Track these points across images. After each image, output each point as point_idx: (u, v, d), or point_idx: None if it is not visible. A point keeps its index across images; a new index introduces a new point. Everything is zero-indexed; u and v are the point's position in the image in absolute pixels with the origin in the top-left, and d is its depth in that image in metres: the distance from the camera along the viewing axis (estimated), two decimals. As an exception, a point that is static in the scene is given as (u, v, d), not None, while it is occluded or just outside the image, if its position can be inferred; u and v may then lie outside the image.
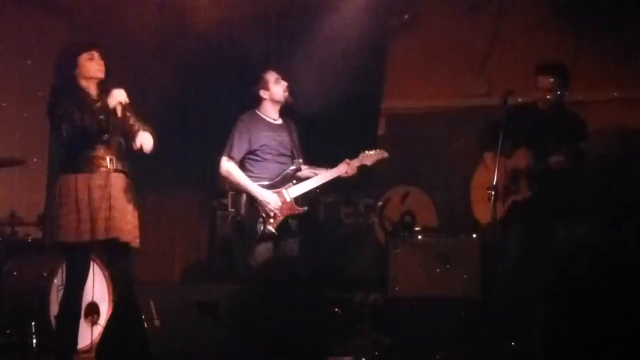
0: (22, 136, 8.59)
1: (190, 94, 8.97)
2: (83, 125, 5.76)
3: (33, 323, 7.03)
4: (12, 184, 8.39)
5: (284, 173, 6.94)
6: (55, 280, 7.19)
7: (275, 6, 9.06)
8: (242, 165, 6.94)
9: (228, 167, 6.87)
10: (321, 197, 8.90)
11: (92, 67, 6.02)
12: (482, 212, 7.09)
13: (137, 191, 6.22)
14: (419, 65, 9.39)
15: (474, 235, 7.68)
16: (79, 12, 8.76)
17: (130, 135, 6.05)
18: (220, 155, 6.95)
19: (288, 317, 5.33)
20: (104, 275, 7.32)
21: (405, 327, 7.72)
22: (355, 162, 7.09)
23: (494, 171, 6.49)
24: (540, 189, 6.75)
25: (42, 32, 8.76)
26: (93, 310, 7.16)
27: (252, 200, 6.78)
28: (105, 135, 5.93)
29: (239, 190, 6.86)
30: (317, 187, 7.07)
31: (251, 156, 6.95)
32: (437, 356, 6.95)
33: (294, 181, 6.98)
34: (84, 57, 6.01)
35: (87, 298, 7.11)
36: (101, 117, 5.81)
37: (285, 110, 7.21)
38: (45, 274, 7.22)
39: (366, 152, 7.16)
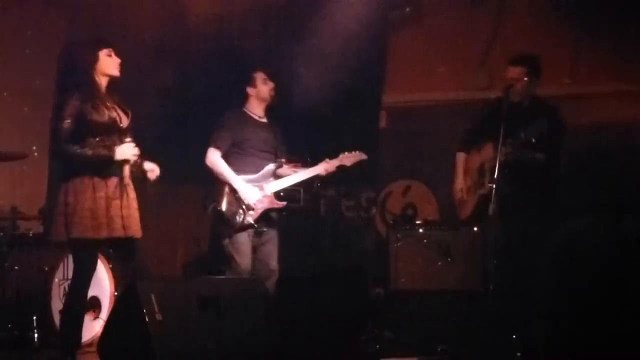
0: (22, 130, 8.60)
1: (190, 90, 8.96)
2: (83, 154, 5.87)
3: (34, 317, 7.04)
4: (13, 178, 8.40)
5: (265, 168, 7.15)
6: (56, 275, 7.20)
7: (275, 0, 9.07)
8: (226, 158, 7.13)
9: (213, 157, 7.11)
10: (322, 191, 8.90)
11: (110, 64, 6.09)
12: (461, 207, 7.20)
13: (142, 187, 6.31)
14: (420, 58, 9.38)
15: (475, 229, 7.67)
16: (78, 7, 8.77)
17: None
18: (207, 146, 7.17)
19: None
20: (105, 269, 7.34)
21: (407, 320, 7.72)
22: (335, 162, 7.28)
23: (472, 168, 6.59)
24: (511, 184, 6.69)
25: (43, 27, 8.78)
26: (94, 304, 7.17)
27: (234, 191, 7.01)
28: (107, 115, 5.97)
29: (222, 181, 7.07)
30: (296, 184, 7.31)
31: (235, 150, 7.15)
32: (439, 349, 6.96)
33: (274, 177, 7.19)
34: (104, 53, 6.08)
35: (90, 292, 7.13)
36: (104, 153, 5.90)
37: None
38: (46, 269, 7.23)
39: (345, 153, 7.33)
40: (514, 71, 6.90)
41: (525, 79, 6.84)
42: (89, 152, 5.86)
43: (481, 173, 6.99)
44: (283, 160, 7.30)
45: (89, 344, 6.86)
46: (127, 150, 5.98)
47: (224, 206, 7.03)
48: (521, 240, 6.77)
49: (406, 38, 9.42)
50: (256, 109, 7.29)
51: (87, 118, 5.87)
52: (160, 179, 6.31)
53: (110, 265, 7.36)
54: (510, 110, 6.58)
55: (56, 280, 7.21)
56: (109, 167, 5.95)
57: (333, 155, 7.40)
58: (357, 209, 9.49)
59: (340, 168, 7.32)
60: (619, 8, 8.25)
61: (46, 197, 8.65)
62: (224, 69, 8.79)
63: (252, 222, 7.01)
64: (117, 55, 6.12)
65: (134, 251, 6.20)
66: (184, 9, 8.63)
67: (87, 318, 6.85)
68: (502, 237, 6.62)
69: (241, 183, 7.01)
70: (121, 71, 6.12)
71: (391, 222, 9.11)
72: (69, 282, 7.24)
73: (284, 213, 7.61)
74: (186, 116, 8.83)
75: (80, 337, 6.11)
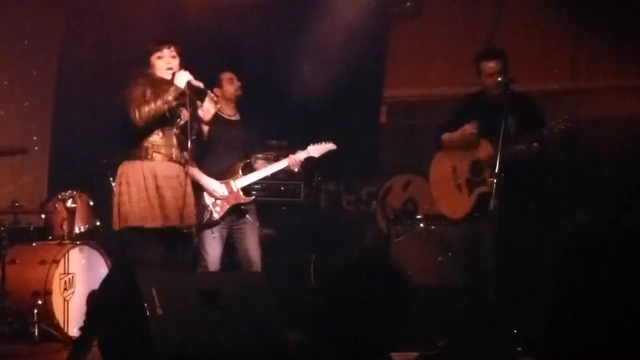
0: (23, 125, 8.60)
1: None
2: (156, 108, 5.93)
3: (35, 311, 7.05)
4: (14, 172, 8.40)
5: (233, 165, 7.19)
6: (57, 269, 7.21)
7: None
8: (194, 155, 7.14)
9: None
10: (323, 185, 8.91)
11: (161, 65, 6.14)
12: (449, 207, 7.10)
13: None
14: (421, 53, 9.39)
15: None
16: (78, 1, 8.77)
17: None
18: None
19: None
20: (107, 264, 7.34)
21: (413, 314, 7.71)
22: (303, 154, 7.23)
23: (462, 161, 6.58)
24: (506, 179, 6.67)
25: (43, 21, 8.77)
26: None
27: (201, 189, 7.03)
28: (179, 120, 6.10)
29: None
30: (263, 178, 7.37)
31: (203, 148, 7.12)
32: (440, 344, 6.96)
33: (245, 173, 7.21)
34: (154, 57, 6.14)
35: (89, 286, 7.14)
36: (171, 99, 5.97)
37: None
38: (47, 263, 7.23)
39: (314, 145, 7.27)
40: (491, 66, 6.82)
41: (500, 75, 6.79)
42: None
43: (476, 170, 6.88)
44: (259, 155, 7.35)
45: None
46: (183, 77, 6.02)
47: None
48: (518, 235, 6.74)
49: (406, 33, 9.44)
50: (225, 108, 7.25)
51: (152, 108, 5.97)
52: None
53: (110, 259, 7.37)
54: (489, 105, 6.60)
55: (57, 274, 7.21)
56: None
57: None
58: (358, 204, 9.50)
59: (309, 160, 7.29)
60: (618, 3, 8.26)
61: (47, 192, 8.65)
62: (225, 65, 8.77)
63: (218, 219, 7.04)
64: (177, 53, 6.17)
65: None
66: (182, 5, 8.62)
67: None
68: (500, 233, 6.61)
69: (207, 180, 7.05)
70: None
71: (392, 216, 9.12)
72: (69, 276, 7.27)
73: (284, 208, 7.61)
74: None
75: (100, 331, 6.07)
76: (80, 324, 6.81)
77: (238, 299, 5.74)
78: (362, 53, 9.01)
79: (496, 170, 6.35)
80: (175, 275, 5.97)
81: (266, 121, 7.57)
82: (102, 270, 7.25)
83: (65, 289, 7.24)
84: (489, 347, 6.27)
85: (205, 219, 7.02)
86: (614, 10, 8.42)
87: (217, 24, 8.70)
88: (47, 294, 7.12)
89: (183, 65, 6.15)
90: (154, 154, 6.06)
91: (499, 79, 6.70)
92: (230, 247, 7.20)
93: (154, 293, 5.43)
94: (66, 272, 7.27)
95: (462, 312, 7.47)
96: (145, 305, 5.36)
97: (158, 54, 6.13)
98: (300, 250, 8.50)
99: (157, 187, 6.01)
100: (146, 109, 5.91)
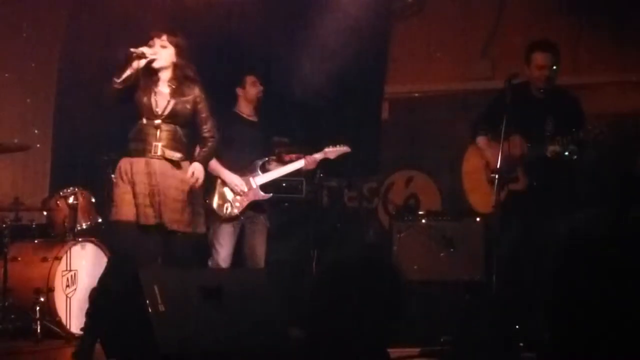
0: (25, 122, 8.61)
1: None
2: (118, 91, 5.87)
3: (37, 308, 7.05)
4: (16, 169, 8.41)
5: (252, 164, 7.44)
6: (59, 266, 7.21)
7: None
8: (217, 155, 7.18)
9: None
10: (324, 182, 8.90)
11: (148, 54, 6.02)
12: (479, 200, 7.04)
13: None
14: (423, 49, 9.39)
15: (478, 219, 7.66)
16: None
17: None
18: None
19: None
20: (107, 259, 7.34)
21: (409, 310, 7.71)
22: (318, 157, 7.57)
23: (495, 155, 6.44)
24: (538, 178, 6.63)
25: (44, 17, 8.77)
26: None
27: (222, 184, 7.29)
28: (144, 98, 5.97)
29: (214, 175, 7.27)
30: (282, 177, 7.59)
31: (224, 148, 7.17)
32: (442, 339, 6.95)
33: (262, 172, 7.47)
34: (147, 45, 6.03)
35: (91, 283, 7.13)
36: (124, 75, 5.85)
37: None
38: (49, 259, 7.24)
39: (330, 147, 7.59)
40: (542, 58, 6.66)
41: (554, 66, 6.68)
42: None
43: (510, 166, 6.70)
44: (273, 157, 7.61)
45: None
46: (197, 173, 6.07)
47: (214, 198, 7.28)
48: (535, 235, 6.69)
49: (408, 29, 9.43)
50: (245, 109, 7.58)
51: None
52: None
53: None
54: (533, 99, 6.53)
55: (59, 271, 7.22)
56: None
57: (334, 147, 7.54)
58: (360, 200, 9.50)
59: (324, 161, 7.60)
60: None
61: (48, 189, 8.65)
62: (223, 64, 8.76)
63: (238, 214, 7.28)
64: (172, 43, 6.07)
65: (178, 242, 6.20)
66: (183, 2, 8.61)
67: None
68: (516, 233, 6.59)
69: (228, 174, 7.29)
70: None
71: (394, 212, 9.13)
72: (71, 273, 7.27)
73: (286, 204, 7.64)
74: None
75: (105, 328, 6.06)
76: (82, 320, 6.82)
77: (240, 295, 5.74)
78: (364, 49, 9.00)
79: (497, 166, 6.33)
80: (178, 272, 5.98)
81: (265, 118, 7.60)
82: (104, 266, 7.25)
83: (67, 286, 7.25)
84: (491, 343, 6.26)
85: (225, 213, 7.26)
86: (616, 4, 8.41)
87: (217, 21, 8.68)
88: (50, 291, 7.13)
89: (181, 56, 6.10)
90: (138, 150, 5.98)
91: (548, 72, 6.61)
92: (239, 242, 7.36)
93: (156, 290, 5.44)
94: (68, 269, 7.28)
95: (464, 308, 7.47)
96: (147, 301, 5.37)
97: (150, 42, 6.02)
98: (302, 246, 8.50)
99: (151, 184, 5.94)
100: (107, 90, 5.88)
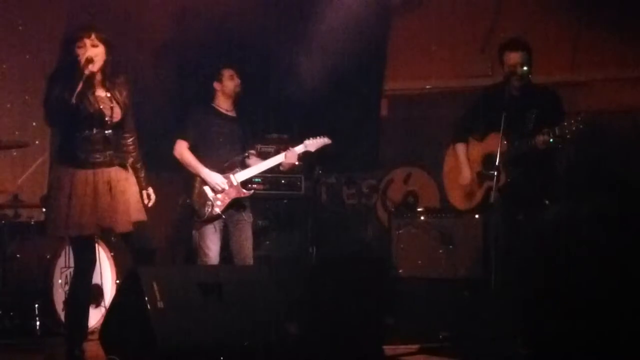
0: (24, 119, 8.60)
1: (188, 79, 8.93)
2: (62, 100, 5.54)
3: (36, 305, 7.05)
4: (14, 166, 8.40)
5: (231, 160, 7.27)
6: (58, 263, 7.21)
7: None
8: (195, 151, 7.24)
9: (180, 149, 7.25)
10: (323, 178, 8.91)
11: (80, 55, 5.66)
12: (458, 198, 7.10)
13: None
14: (422, 45, 9.38)
15: (477, 216, 7.67)
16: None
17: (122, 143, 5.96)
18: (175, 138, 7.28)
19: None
20: (108, 257, 7.34)
21: (409, 307, 7.73)
22: (298, 149, 7.39)
23: (474, 163, 6.72)
24: (520, 173, 6.67)
25: (43, 14, 8.76)
26: (96, 293, 7.17)
27: (203, 183, 7.16)
28: (109, 119, 5.74)
29: (192, 174, 7.20)
30: (263, 172, 7.48)
31: (202, 142, 7.26)
32: (440, 336, 6.96)
33: (242, 168, 7.31)
34: (76, 45, 5.69)
35: (93, 280, 7.13)
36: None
37: (278, 95, 7.40)
38: (48, 256, 7.24)
39: (310, 139, 7.41)
40: (514, 57, 6.77)
41: (525, 67, 6.77)
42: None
43: (488, 164, 6.82)
44: (252, 151, 7.44)
45: (91, 332, 6.87)
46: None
47: (193, 198, 7.17)
48: (525, 229, 6.73)
49: (407, 26, 9.42)
50: (223, 103, 7.39)
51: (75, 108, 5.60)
52: (161, 165, 6.30)
53: (112, 253, 7.37)
54: (510, 97, 6.56)
55: (58, 268, 7.21)
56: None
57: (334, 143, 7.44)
58: (359, 197, 9.50)
59: (306, 154, 7.44)
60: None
61: (47, 186, 8.64)
62: (225, 59, 8.76)
63: (220, 213, 7.15)
64: (99, 40, 5.72)
65: (128, 241, 6.21)
66: (182, 1, 8.62)
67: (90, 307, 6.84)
68: (505, 225, 6.60)
69: (208, 173, 7.15)
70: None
71: (392, 209, 9.13)
72: (70, 270, 7.27)
73: (285, 201, 7.61)
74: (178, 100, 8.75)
75: (85, 327, 6.08)
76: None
77: (238, 292, 5.75)
78: (363, 46, 9.00)
79: (497, 164, 6.35)
80: (176, 269, 5.98)
81: (265, 114, 7.56)
82: (103, 263, 7.23)
83: (66, 283, 7.23)
84: (490, 339, 6.27)
85: (207, 213, 7.12)
86: (615, 1, 8.40)
87: (216, 16, 8.68)
88: (48, 288, 7.12)
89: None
90: (86, 161, 5.73)
91: (522, 71, 6.68)
92: (224, 240, 7.27)
93: (155, 287, 5.44)
94: (67, 266, 7.26)
95: (462, 304, 7.47)
96: (146, 298, 5.37)
97: (78, 42, 5.67)
98: (301, 243, 8.50)
99: (85, 195, 5.73)
100: (55, 104, 5.58)
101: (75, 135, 5.71)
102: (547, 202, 6.79)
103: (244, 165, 7.33)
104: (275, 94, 8.25)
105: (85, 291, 5.99)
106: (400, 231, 8.08)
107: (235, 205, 7.22)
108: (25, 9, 8.65)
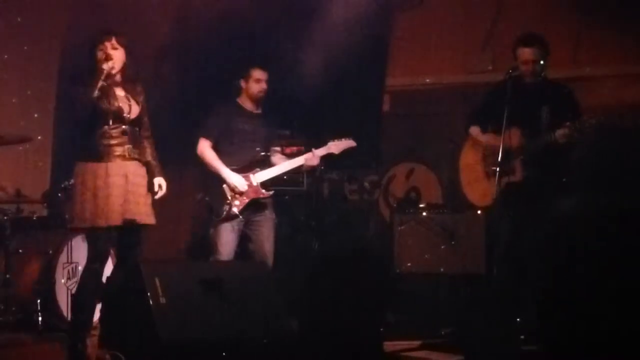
0: (26, 114, 8.60)
1: (196, 78, 8.94)
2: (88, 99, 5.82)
3: (39, 301, 7.05)
4: (17, 161, 8.40)
5: (253, 159, 7.21)
6: (60, 258, 7.21)
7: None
8: (216, 149, 7.20)
9: (202, 147, 7.20)
10: (325, 175, 8.91)
11: (101, 58, 5.99)
12: (476, 194, 7.07)
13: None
14: (424, 41, 9.38)
15: (479, 212, 7.67)
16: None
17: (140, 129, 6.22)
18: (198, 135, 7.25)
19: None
20: (111, 255, 7.35)
21: (410, 303, 7.73)
22: (322, 151, 7.30)
23: (491, 143, 6.61)
24: (536, 168, 6.65)
25: (45, 9, 8.75)
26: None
27: (222, 182, 7.09)
28: (116, 104, 5.97)
29: (212, 171, 7.16)
30: (284, 173, 7.36)
31: (225, 140, 7.21)
32: (442, 332, 6.97)
33: (263, 167, 7.23)
34: (97, 49, 6.02)
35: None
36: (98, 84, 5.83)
37: (280, 92, 7.37)
38: (50, 252, 7.24)
39: (335, 140, 7.33)
40: (528, 52, 6.71)
41: (541, 61, 6.73)
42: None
43: (506, 159, 6.71)
44: (277, 149, 7.40)
45: (93, 328, 6.88)
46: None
47: (211, 197, 7.15)
48: (530, 225, 6.71)
49: (409, 21, 9.42)
50: (247, 102, 7.31)
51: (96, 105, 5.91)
52: (165, 159, 6.37)
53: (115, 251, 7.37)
54: (524, 92, 6.54)
55: (60, 263, 7.22)
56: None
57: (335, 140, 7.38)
58: (361, 193, 9.50)
59: (328, 156, 7.36)
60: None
61: (50, 181, 8.65)
62: (229, 56, 8.76)
63: (237, 213, 7.07)
64: (120, 44, 6.05)
65: (140, 238, 6.25)
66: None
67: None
68: (510, 221, 6.60)
69: (228, 173, 7.09)
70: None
71: (395, 205, 9.13)
72: (72, 265, 7.28)
73: (286, 197, 7.60)
74: (193, 102, 8.78)
75: (90, 322, 6.11)
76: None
77: (240, 288, 5.75)
78: (365, 42, 9.00)
79: (499, 159, 6.34)
80: (179, 265, 5.99)
81: (269, 110, 7.53)
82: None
83: (68, 278, 7.25)
84: (492, 336, 6.27)
85: (224, 213, 7.07)
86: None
87: (217, 15, 8.68)
88: (51, 283, 7.13)
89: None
90: (106, 155, 5.98)
91: (534, 66, 6.66)
92: (244, 238, 7.20)
93: (157, 282, 5.45)
94: (69, 261, 7.27)
95: (464, 300, 7.48)
96: (149, 294, 5.38)
97: (100, 45, 6.02)
98: (303, 239, 8.51)
99: (108, 186, 5.95)
100: (82, 102, 5.86)
101: (95, 130, 5.97)
102: (560, 198, 6.75)
103: (267, 165, 7.25)
104: (277, 91, 8.21)
105: (95, 285, 6.02)
106: (402, 227, 8.08)
107: (255, 205, 7.16)
108: (28, 7, 8.64)
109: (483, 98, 7.12)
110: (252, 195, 7.13)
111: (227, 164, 7.13)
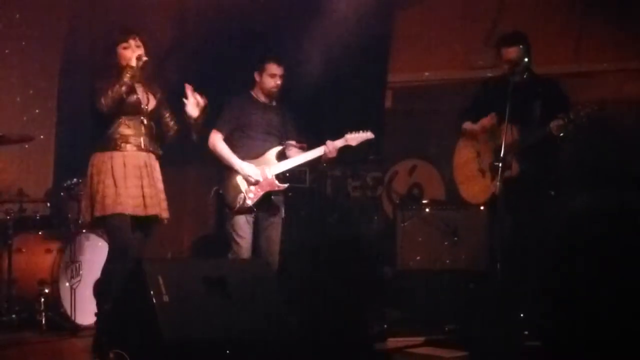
0: (29, 113, 8.60)
1: (201, 73, 8.93)
2: (114, 92, 6.04)
3: (42, 300, 7.06)
4: (20, 160, 8.41)
5: (268, 151, 7.14)
6: (63, 257, 7.22)
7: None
8: (229, 141, 7.15)
9: (214, 140, 7.13)
10: (328, 171, 8.90)
11: (127, 55, 6.20)
12: (471, 192, 7.07)
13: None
14: (426, 37, 9.37)
15: (482, 208, 7.66)
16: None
17: (163, 123, 6.41)
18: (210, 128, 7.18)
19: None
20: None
21: (414, 299, 7.74)
22: (339, 143, 7.17)
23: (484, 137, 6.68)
24: (532, 162, 6.66)
25: (46, 8, 8.75)
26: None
27: (236, 174, 7.03)
28: (135, 96, 6.17)
29: (223, 163, 7.10)
30: (299, 166, 7.31)
31: (239, 133, 7.16)
32: (446, 328, 6.97)
33: (278, 160, 7.15)
34: (120, 47, 6.23)
35: (96, 274, 7.13)
36: (127, 79, 6.09)
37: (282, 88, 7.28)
38: (54, 251, 7.25)
39: (353, 133, 7.20)
40: (512, 51, 6.77)
41: (525, 58, 6.77)
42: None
43: (499, 155, 6.73)
44: (292, 142, 7.25)
45: (88, 329, 6.89)
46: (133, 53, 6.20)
47: (225, 189, 7.06)
48: (531, 221, 6.72)
49: (411, 17, 9.41)
50: (261, 95, 7.24)
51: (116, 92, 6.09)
52: (169, 155, 6.45)
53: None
54: (514, 89, 6.55)
55: (64, 262, 7.23)
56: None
57: (336, 136, 7.27)
58: (364, 189, 9.49)
59: (345, 149, 7.24)
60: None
61: (52, 180, 8.65)
62: (232, 51, 8.76)
63: (251, 205, 7.00)
64: (141, 42, 6.26)
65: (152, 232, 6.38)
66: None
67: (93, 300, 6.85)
68: (511, 217, 6.59)
69: (241, 164, 7.02)
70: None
71: (397, 202, 9.13)
72: (76, 264, 7.29)
73: (290, 194, 7.59)
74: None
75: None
76: (87, 311, 6.87)
77: (243, 286, 5.75)
78: (367, 38, 8.99)
79: (501, 155, 6.33)
80: (182, 263, 5.99)
81: (285, 101, 7.50)
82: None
83: (71, 277, 7.26)
84: (496, 332, 6.27)
85: (238, 205, 7.00)
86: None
87: (219, 15, 8.68)
88: (54, 282, 7.15)
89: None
90: (123, 144, 6.14)
91: (520, 65, 6.69)
92: (255, 237, 7.14)
93: (160, 280, 5.45)
94: (72, 260, 7.29)
95: (468, 297, 7.47)
96: (152, 292, 5.38)
97: (124, 44, 6.23)
98: (306, 236, 8.51)
99: (126, 177, 6.09)
100: (110, 95, 6.03)
101: (113, 121, 6.15)
102: (552, 193, 6.78)
103: (281, 157, 7.16)
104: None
105: (122, 275, 5.96)
106: (405, 223, 8.08)
107: (269, 198, 7.09)
108: (30, 6, 8.64)
109: (472, 96, 7.17)
110: (267, 188, 7.06)
111: (243, 157, 7.07)
